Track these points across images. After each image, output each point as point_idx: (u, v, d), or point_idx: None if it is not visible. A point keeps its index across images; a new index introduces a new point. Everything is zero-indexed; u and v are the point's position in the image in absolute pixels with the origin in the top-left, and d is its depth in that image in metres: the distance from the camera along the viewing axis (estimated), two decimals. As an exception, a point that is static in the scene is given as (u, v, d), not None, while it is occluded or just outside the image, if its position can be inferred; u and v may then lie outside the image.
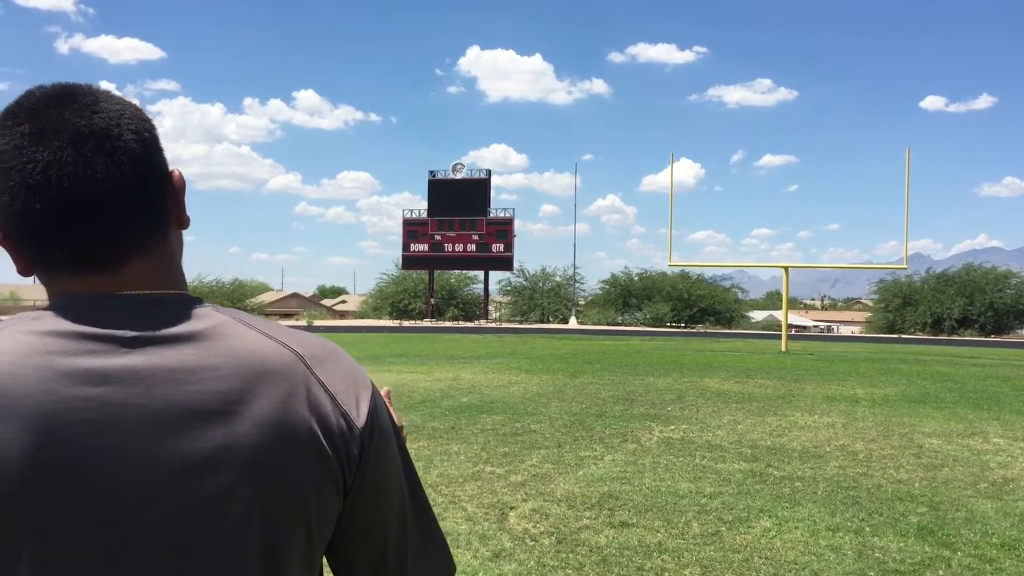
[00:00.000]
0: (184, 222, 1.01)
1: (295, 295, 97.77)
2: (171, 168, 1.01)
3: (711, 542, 5.66)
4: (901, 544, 5.71)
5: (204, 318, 0.94)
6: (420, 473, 7.46)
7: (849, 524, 6.17)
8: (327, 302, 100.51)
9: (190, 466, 0.87)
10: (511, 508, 6.40)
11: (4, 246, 0.95)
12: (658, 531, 5.89)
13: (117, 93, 0.98)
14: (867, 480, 7.72)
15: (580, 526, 5.98)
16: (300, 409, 0.92)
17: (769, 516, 6.34)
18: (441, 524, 5.43)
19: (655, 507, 6.53)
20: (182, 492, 0.86)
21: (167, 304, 0.94)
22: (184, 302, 0.95)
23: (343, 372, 0.98)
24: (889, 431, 10.67)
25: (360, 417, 0.96)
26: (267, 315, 67.74)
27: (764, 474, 7.86)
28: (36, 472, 0.83)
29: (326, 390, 0.95)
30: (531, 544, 5.54)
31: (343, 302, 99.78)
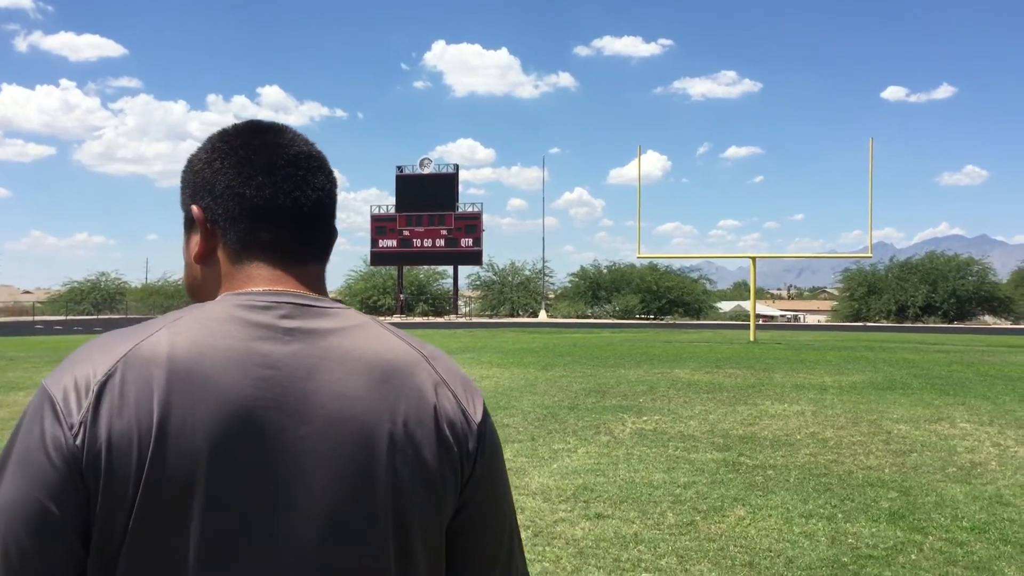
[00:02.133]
0: (328, 259, 1.18)
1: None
2: None
3: (686, 532, 5.69)
4: (873, 529, 5.77)
5: (348, 317, 1.06)
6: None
7: (822, 511, 6.23)
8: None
9: (340, 442, 0.98)
10: (486, 502, 6.39)
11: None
12: (634, 522, 5.91)
13: None
14: (838, 467, 7.80)
15: (556, 519, 5.98)
16: (429, 400, 1.03)
17: (743, 505, 6.38)
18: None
19: (630, 498, 6.55)
20: (335, 463, 0.97)
21: (317, 303, 1.06)
22: (330, 303, 1.08)
23: (459, 374, 1.10)
24: (858, 418, 10.79)
25: (477, 415, 1.07)
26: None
27: (737, 463, 7.92)
28: (215, 440, 0.94)
29: (448, 387, 1.06)
30: (508, 538, 5.53)
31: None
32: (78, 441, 0.92)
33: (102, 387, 0.94)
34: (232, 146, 1.11)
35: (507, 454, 8.15)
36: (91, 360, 0.97)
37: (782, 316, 73.88)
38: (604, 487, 6.91)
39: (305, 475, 0.97)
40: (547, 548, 5.33)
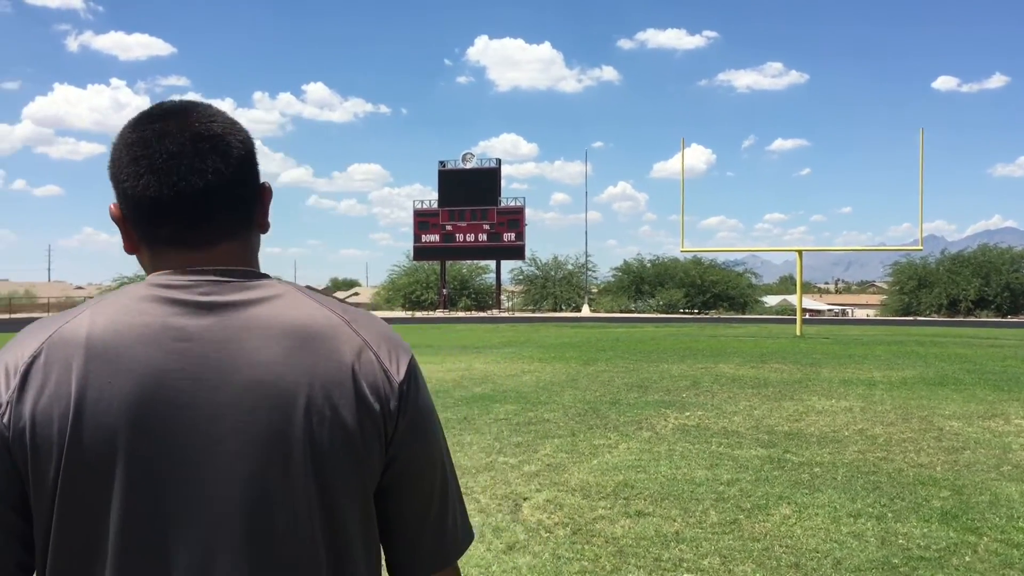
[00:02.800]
0: (265, 226, 1.20)
1: (308, 288, 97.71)
2: (264, 181, 1.19)
3: (730, 531, 5.54)
4: (925, 530, 5.57)
5: (269, 288, 1.11)
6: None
7: (871, 510, 6.03)
8: (340, 294, 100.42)
9: (255, 406, 1.02)
10: (525, 499, 6.30)
11: (119, 225, 1.14)
12: (675, 520, 5.77)
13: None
14: (887, 464, 7.58)
15: (595, 516, 5.87)
16: (347, 363, 1.07)
17: (788, 503, 6.21)
18: (453, 516, 5.33)
19: (671, 495, 6.41)
20: (251, 428, 1.02)
21: (236, 276, 1.10)
22: (250, 275, 1.12)
23: (384, 335, 1.14)
24: (908, 414, 10.51)
25: (400, 373, 1.11)
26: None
27: (782, 460, 7.72)
28: (134, 411, 0.99)
29: (371, 349, 1.10)
30: (545, 536, 5.43)
31: (356, 294, 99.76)
32: (4, 419, 0.99)
33: (28, 368, 1.01)
34: (127, 141, 1.13)
35: (547, 449, 8.07)
36: (21, 344, 1.05)
37: (829, 310, 72.77)
38: (645, 484, 6.77)
39: (222, 441, 1.01)
40: (586, 547, 5.22)
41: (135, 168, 1.09)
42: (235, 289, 1.08)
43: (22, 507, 1.01)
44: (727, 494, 6.46)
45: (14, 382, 1.01)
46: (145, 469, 0.99)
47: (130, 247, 1.15)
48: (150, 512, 0.99)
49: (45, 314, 1.23)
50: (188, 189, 1.08)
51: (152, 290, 1.07)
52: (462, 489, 6.06)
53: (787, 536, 5.43)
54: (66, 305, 64.56)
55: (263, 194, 1.19)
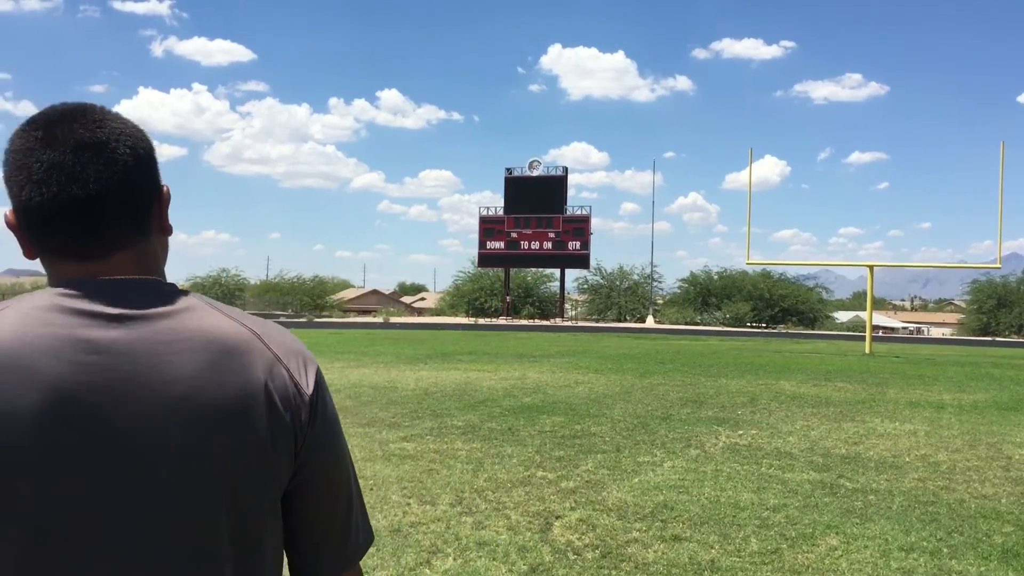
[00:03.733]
0: (167, 230, 1.17)
1: (375, 292, 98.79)
2: (163, 184, 1.16)
3: (769, 561, 5.22)
4: (982, 568, 5.17)
5: (176, 300, 1.09)
6: (468, 477, 7.20)
7: (925, 544, 5.64)
8: (407, 299, 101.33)
9: (169, 422, 1.02)
10: (557, 517, 6.06)
11: (13, 232, 1.11)
12: (712, 547, 5.47)
13: (123, 115, 1.14)
14: (948, 495, 7.14)
15: (628, 539, 5.60)
16: (259, 376, 1.07)
17: (836, 533, 5.85)
18: (480, 533, 5.09)
19: (712, 520, 6.11)
20: (165, 441, 1.01)
21: (145, 287, 1.09)
22: (159, 286, 1.10)
23: (292, 348, 1.14)
24: (976, 440, 9.97)
25: (308, 386, 1.13)
26: (346, 311, 68.58)
27: (835, 485, 7.34)
28: (43, 425, 0.97)
29: (279, 361, 1.10)
30: (572, 558, 5.18)
31: (422, 299, 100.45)
32: None
33: None
34: (14, 147, 1.10)
35: (588, 465, 7.83)
36: None
37: (904, 328, 70.72)
38: (686, 506, 6.48)
39: (135, 455, 1.00)
40: (614, 571, 4.97)
41: (19, 177, 1.07)
42: (144, 300, 1.07)
43: None
44: (771, 520, 6.13)
45: None
46: (53, 489, 0.97)
47: (29, 254, 1.12)
48: (59, 530, 0.98)
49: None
50: (69, 200, 1.06)
51: (57, 299, 1.04)
52: (495, 504, 5.83)
53: (831, 570, 5.09)
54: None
55: (160, 198, 1.15)
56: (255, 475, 1.06)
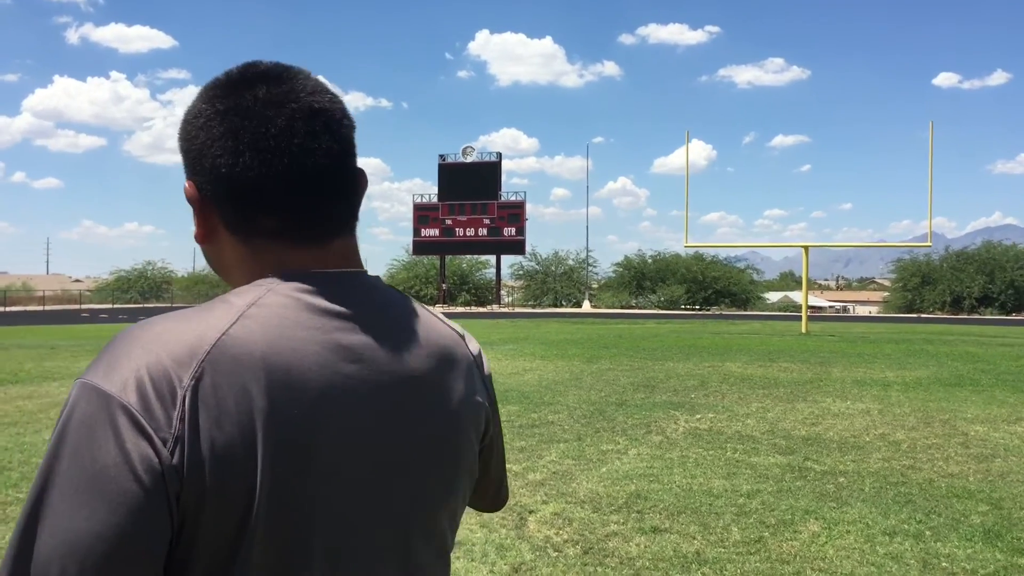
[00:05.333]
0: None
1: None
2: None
3: (755, 550, 5.06)
4: (969, 551, 5.09)
5: (398, 298, 1.03)
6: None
7: (906, 527, 5.55)
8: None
9: (421, 423, 0.98)
10: (531, 512, 5.82)
11: (197, 208, 0.97)
12: (694, 537, 5.29)
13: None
14: (916, 474, 7.10)
15: (607, 532, 5.39)
16: (474, 379, 1.08)
17: (816, 518, 5.73)
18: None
19: (689, 509, 5.93)
20: (430, 450, 0.99)
21: (370, 283, 1.00)
22: (379, 281, 1.02)
23: (476, 343, 1.14)
24: (929, 417, 10.04)
25: (487, 369, 1.14)
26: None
27: (803, 468, 7.25)
28: (316, 436, 0.88)
29: (476, 363, 1.11)
30: (554, 555, 4.95)
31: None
32: (175, 460, 0.81)
33: (195, 393, 0.83)
34: (218, 110, 0.94)
35: (552, 455, 7.61)
36: (157, 357, 0.84)
37: (831, 307, 72.25)
38: (659, 495, 6.30)
39: (407, 468, 0.96)
40: (599, 568, 4.74)
41: (233, 143, 0.93)
42: (376, 298, 0.99)
43: (163, 564, 0.82)
44: (748, 507, 5.98)
45: (177, 411, 0.82)
46: (332, 504, 0.90)
47: (205, 235, 0.98)
48: (345, 533, 0.92)
49: (41, 308, 0.81)
50: (300, 173, 0.94)
51: (299, 295, 0.92)
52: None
53: (819, 557, 4.95)
54: (63, 298, 63.97)
55: (362, 182, 1.04)
56: (474, 462, 1.08)
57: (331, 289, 0.94)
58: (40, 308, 52.90)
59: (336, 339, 0.91)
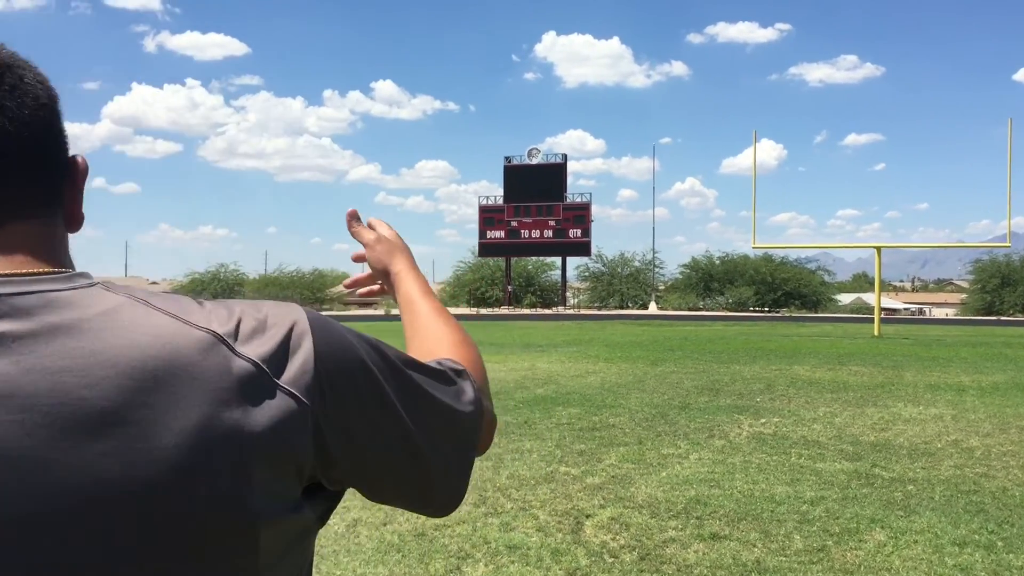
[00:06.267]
0: (78, 218, 0.85)
1: (154, 293, 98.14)
2: (77, 155, 0.85)
3: (818, 559, 4.94)
4: (1043, 564, 4.89)
5: (94, 301, 0.73)
6: (489, 474, 6.90)
7: (977, 537, 5.36)
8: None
9: (92, 498, 0.66)
10: (587, 516, 5.77)
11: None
12: (755, 545, 5.19)
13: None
14: (989, 482, 6.85)
15: (665, 538, 5.31)
16: (229, 402, 0.71)
17: (882, 527, 5.57)
18: (510, 535, 4.73)
19: (750, 515, 5.82)
20: (63, 533, 0.66)
21: (47, 283, 0.73)
22: (68, 280, 0.74)
23: (274, 336, 0.76)
24: (1005, 424, 9.69)
25: (306, 381, 0.75)
26: (346, 304, 68.28)
27: (870, 475, 7.05)
28: None
29: (258, 367, 0.73)
30: (610, 561, 4.89)
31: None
32: None
33: None
34: None
35: (611, 459, 7.53)
36: None
37: (906, 309, 70.43)
38: (720, 501, 6.19)
39: (49, 551, 0.66)
40: (655, 575, 4.68)
41: None
42: (38, 307, 0.71)
43: None
44: (812, 515, 5.84)
45: None
46: None
47: None
48: None
49: (200, 297, 0.72)
50: None
51: None
52: (520, 503, 5.52)
53: (884, 568, 4.81)
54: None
55: (74, 168, 0.84)
56: (231, 545, 0.72)
57: None
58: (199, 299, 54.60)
59: None
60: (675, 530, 5.48)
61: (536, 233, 53.20)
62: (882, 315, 30.58)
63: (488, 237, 54.54)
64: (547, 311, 51.70)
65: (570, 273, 58.34)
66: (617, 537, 5.33)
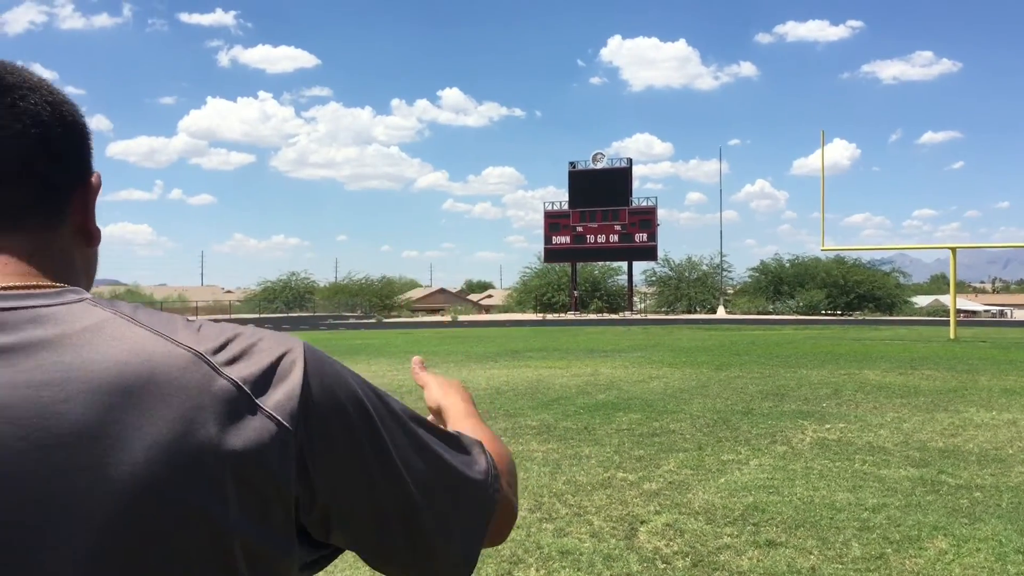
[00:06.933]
0: (93, 234, 0.87)
1: (442, 290, 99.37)
2: (95, 171, 0.89)
3: (875, 567, 4.86)
4: (1113, 574, 4.73)
5: (77, 316, 0.75)
6: (546, 480, 6.94)
7: (1044, 546, 5.21)
8: (473, 297, 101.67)
9: (62, 512, 0.67)
10: (642, 522, 5.77)
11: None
12: (811, 552, 5.12)
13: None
14: (1062, 490, 6.65)
15: (720, 545, 5.28)
16: (205, 422, 0.72)
17: (944, 535, 5.45)
18: (563, 541, 4.76)
19: (807, 522, 5.75)
20: (51, 547, 0.67)
21: (34, 299, 0.75)
22: (56, 296, 0.76)
23: (260, 361, 0.76)
24: (1083, 430, 9.37)
25: (292, 407, 0.75)
26: (414, 311, 68.90)
27: (936, 482, 6.90)
28: None
29: (239, 388, 0.74)
30: (662, 567, 4.89)
31: (489, 296, 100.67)
32: None
33: None
34: None
35: (670, 464, 7.49)
36: None
37: (986, 311, 68.35)
38: (778, 507, 6.12)
39: (16, 567, 0.67)
40: (707, 581, 4.66)
41: None
42: (23, 322, 0.72)
43: None
44: (872, 522, 5.74)
45: None
46: None
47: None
48: None
49: (195, 317, 0.74)
50: None
51: None
52: (576, 508, 5.54)
53: (943, 576, 4.71)
54: (215, 309, 67.50)
55: (87, 184, 0.86)
56: (196, 535, 0.71)
57: None
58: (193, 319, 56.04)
59: None
60: (730, 536, 5.45)
61: (602, 238, 53.07)
62: (960, 317, 29.79)
63: (554, 243, 54.58)
64: (614, 316, 51.51)
65: (637, 278, 58.11)
66: (671, 543, 5.31)
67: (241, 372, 0.75)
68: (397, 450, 0.81)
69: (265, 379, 0.75)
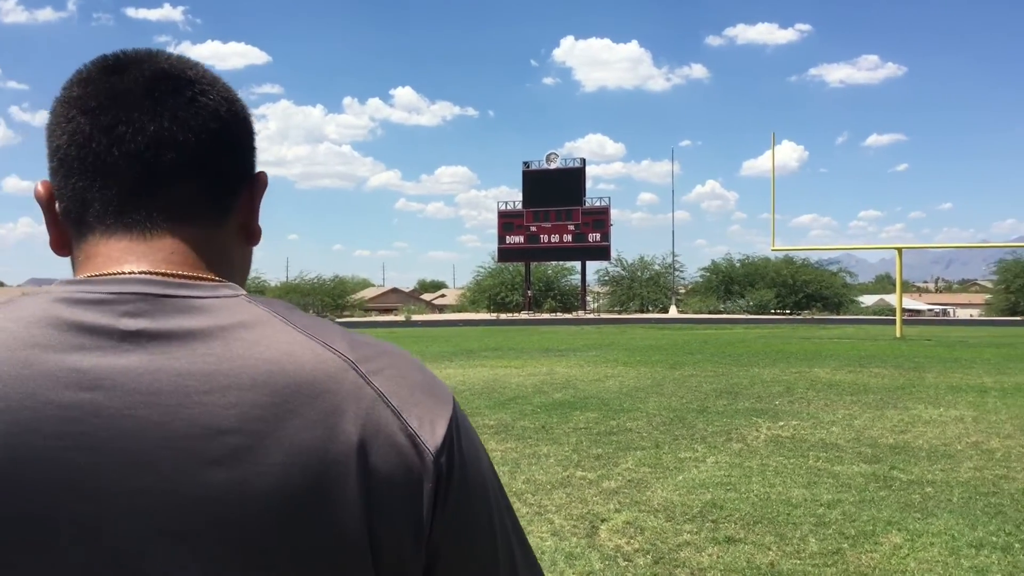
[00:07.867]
0: (254, 232, 0.87)
1: (395, 290, 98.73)
2: (260, 170, 0.88)
3: (832, 562, 4.93)
4: (1061, 566, 4.86)
5: (233, 310, 0.73)
6: (505, 479, 6.93)
7: (994, 540, 5.33)
8: (427, 296, 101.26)
9: (190, 505, 0.66)
10: (602, 520, 5.78)
11: (44, 209, 0.81)
12: (770, 548, 5.18)
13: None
14: (1009, 484, 6.81)
15: (680, 542, 5.32)
16: (348, 431, 0.69)
17: (899, 530, 5.55)
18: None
19: (765, 519, 5.82)
20: (186, 537, 0.65)
21: (194, 289, 0.74)
22: (214, 289, 0.75)
23: (412, 380, 0.75)
24: (1027, 425, 9.61)
25: (435, 438, 0.73)
26: (367, 310, 68.42)
27: (888, 478, 7.02)
28: (8, 507, 0.64)
29: (387, 404, 0.72)
30: (624, 564, 4.91)
31: (442, 296, 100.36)
32: None
33: None
34: (71, 96, 0.79)
35: (628, 463, 7.53)
36: None
37: (930, 310, 69.86)
38: (735, 504, 6.19)
39: (137, 556, 0.65)
40: (669, 578, 4.69)
41: (67, 112, 0.78)
42: (177, 311, 0.72)
43: None
44: (828, 518, 5.83)
45: None
46: None
47: (59, 242, 0.81)
48: None
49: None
50: (131, 137, 0.76)
51: (54, 307, 0.70)
52: (536, 507, 5.53)
53: (899, 570, 4.79)
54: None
55: (254, 181, 0.86)
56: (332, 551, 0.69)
57: (107, 294, 0.72)
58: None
59: (68, 361, 0.68)
60: (690, 533, 5.49)
61: (555, 238, 53.19)
62: (905, 316, 30.40)
63: (507, 242, 54.58)
64: (567, 316, 51.68)
65: (590, 278, 58.35)
66: (632, 541, 5.34)
67: (388, 387, 0.73)
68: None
69: (414, 400, 0.74)
